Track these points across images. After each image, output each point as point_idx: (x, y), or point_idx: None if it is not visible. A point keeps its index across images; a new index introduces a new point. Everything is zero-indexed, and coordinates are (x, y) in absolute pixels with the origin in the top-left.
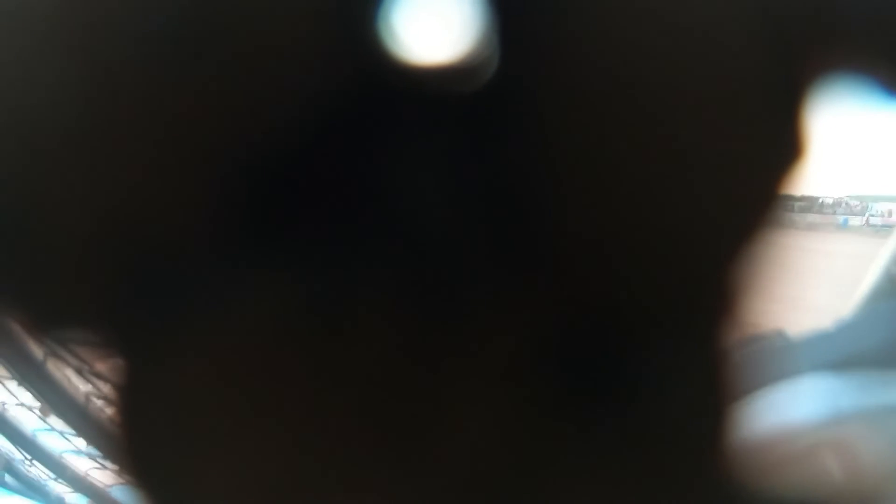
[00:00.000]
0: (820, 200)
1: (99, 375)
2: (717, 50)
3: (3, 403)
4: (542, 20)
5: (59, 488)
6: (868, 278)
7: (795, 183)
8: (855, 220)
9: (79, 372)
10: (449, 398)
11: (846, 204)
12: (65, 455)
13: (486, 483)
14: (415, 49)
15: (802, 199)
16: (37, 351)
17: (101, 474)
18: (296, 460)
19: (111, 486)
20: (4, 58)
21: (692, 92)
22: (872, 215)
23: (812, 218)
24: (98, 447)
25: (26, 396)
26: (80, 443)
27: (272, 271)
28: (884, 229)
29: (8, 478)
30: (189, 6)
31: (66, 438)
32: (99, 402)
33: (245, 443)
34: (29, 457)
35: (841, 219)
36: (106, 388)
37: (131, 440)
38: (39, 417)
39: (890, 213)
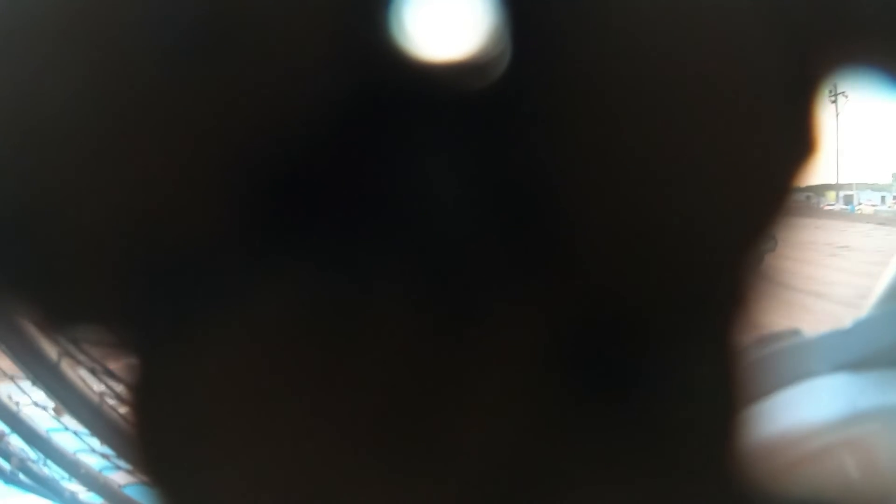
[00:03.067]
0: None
1: (113, 375)
2: (727, 45)
3: (18, 403)
4: (554, 16)
5: (72, 487)
6: (886, 277)
7: (807, 176)
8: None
9: (93, 371)
10: (461, 396)
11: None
12: (78, 454)
13: (499, 481)
14: (425, 46)
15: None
16: (51, 350)
17: (115, 473)
18: (310, 459)
19: (125, 485)
20: (22, 59)
21: (704, 88)
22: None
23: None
24: (112, 446)
25: (40, 396)
26: (94, 442)
27: (286, 270)
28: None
29: (22, 476)
30: (200, 5)
31: (80, 438)
32: (113, 402)
33: (259, 441)
34: (43, 456)
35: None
36: (120, 388)
37: (145, 439)
38: (53, 417)
39: None
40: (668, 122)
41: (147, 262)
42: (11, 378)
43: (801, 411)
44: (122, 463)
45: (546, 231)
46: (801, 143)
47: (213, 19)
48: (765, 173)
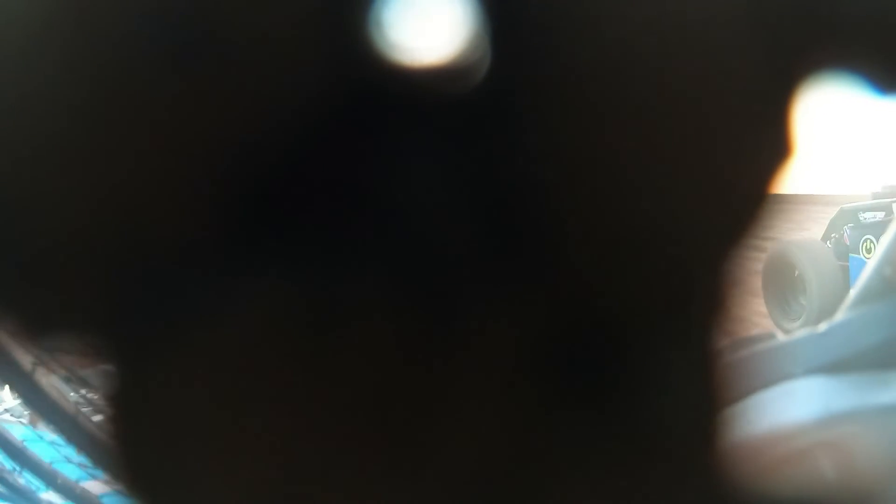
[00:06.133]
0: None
1: (89, 383)
2: (710, 48)
3: None
4: (535, 18)
5: (49, 497)
6: (860, 280)
7: (788, 182)
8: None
9: (68, 379)
10: (447, 399)
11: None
12: (55, 464)
13: (486, 484)
14: (407, 50)
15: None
16: (26, 358)
17: (92, 482)
18: (294, 467)
19: (102, 494)
20: (2, 57)
21: (687, 91)
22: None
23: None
24: (88, 455)
25: (15, 404)
26: (70, 451)
27: (267, 274)
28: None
29: None
30: (184, 7)
31: (56, 447)
32: (89, 410)
33: (240, 449)
34: (18, 465)
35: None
36: (96, 396)
37: (122, 448)
38: (29, 425)
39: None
40: (648, 125)
41: (123, 267)
42: None
43: (777, 414)
44: (98, 472)
45: (527, 233)
46: (784, 149)
47: (194, 20)
48: (748, 177)
